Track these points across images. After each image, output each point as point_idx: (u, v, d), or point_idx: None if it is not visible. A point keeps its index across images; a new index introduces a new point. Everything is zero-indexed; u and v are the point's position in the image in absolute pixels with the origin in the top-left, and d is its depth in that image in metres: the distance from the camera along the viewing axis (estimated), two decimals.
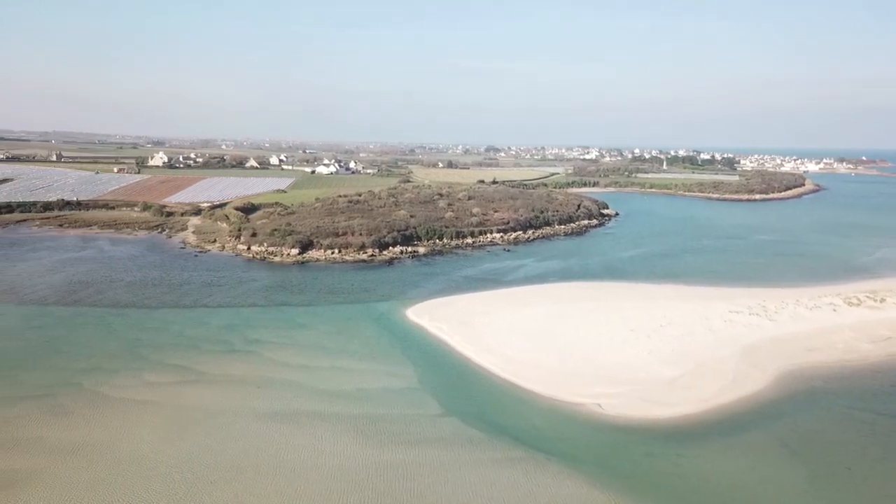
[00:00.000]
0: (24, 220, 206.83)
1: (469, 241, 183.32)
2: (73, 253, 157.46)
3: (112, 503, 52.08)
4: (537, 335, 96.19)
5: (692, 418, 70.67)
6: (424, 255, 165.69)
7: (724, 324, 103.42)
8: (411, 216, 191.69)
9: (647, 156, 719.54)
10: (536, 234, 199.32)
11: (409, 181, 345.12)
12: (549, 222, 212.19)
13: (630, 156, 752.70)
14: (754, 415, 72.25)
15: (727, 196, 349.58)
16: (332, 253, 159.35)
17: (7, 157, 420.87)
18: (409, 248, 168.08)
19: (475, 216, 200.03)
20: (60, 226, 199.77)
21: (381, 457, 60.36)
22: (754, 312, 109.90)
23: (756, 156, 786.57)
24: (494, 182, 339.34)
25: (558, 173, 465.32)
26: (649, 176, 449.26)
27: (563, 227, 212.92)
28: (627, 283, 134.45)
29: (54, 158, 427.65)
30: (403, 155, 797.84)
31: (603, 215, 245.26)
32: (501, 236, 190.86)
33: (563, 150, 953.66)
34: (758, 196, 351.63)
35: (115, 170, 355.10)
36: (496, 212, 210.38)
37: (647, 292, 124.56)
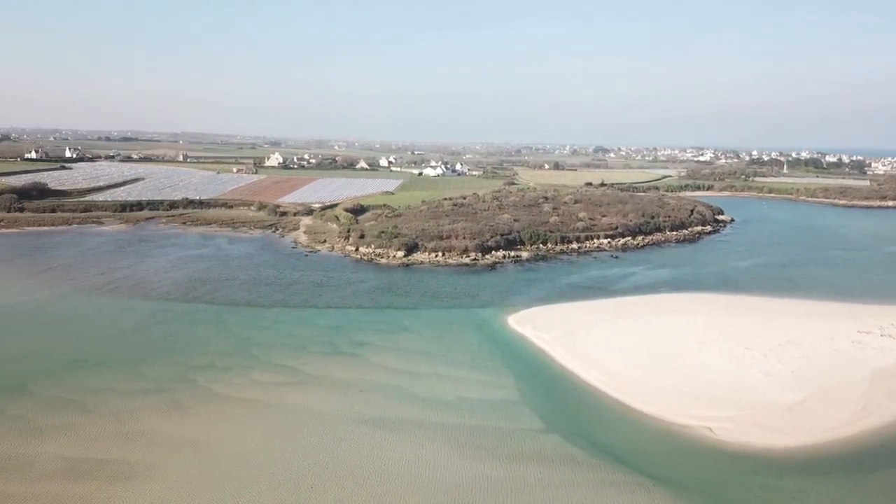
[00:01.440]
0: (153, 218, 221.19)
1: (574, 246, 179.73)
2: (194, 250, 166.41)
3: (222, 501, 53.84)
4: (645, 349, 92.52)
5: (815, 450, 65.51)
6: (528, 260, 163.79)
7: (852, 345, 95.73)
8: (515, 220, 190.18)
9: (765, 158, 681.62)
10: (646, 241, 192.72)
11: (513, 183, 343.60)
12: (659, 228, 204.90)
13: (747, 158, 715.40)
14: (888, 450, 66.12)
15: (856, 202, 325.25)
16: (436, 256, 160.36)
17: (140, 158, 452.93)
18: (513, 253, 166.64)
19: (581, 221, 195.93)
20: (184, 223, 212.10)
21: (481, 471, 59.51)
22: (887, 333, 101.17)
23: (890, 158, 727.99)
24: (602, 184, 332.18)
25: (670, 176, 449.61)
26: (768, 180, 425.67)
27: (674, 233, 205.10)
28: (744, 295, 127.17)
29: (181, 159, 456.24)
30: (509, 156, 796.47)
31: (717, 221, 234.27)
32: (609, 242, 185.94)
33: (676, 152, 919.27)
34: (891, 203, 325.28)
35: (235, 170, 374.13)
36: (604, 216, 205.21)
37: (765, 307, 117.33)
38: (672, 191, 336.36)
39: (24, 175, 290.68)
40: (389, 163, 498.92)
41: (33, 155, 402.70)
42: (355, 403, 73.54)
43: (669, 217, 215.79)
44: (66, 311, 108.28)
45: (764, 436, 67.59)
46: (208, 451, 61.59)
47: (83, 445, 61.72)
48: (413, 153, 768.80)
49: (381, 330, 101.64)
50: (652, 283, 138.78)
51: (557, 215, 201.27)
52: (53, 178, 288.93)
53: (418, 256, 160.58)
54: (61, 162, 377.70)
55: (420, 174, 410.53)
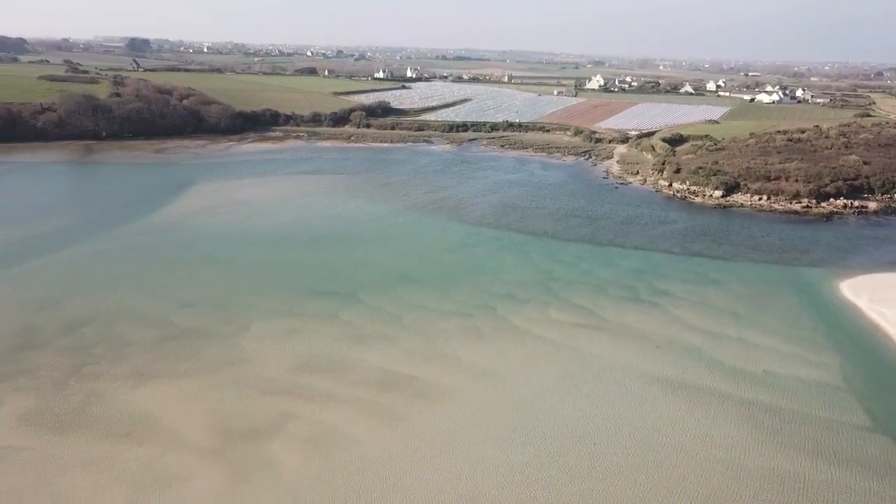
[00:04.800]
0: (475, 139, 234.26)
1: None
2: (509, 174, 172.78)
3: (513, 437, 55.98)
4: None
5: None
6: (875, 212, 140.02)
7: None
8: (864, 163, 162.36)
9: None
10: None
11: (868, 115, 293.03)
12: None
13: None
14: None
15: None
16: (760, 199, 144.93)
17: (469, 78, 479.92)
18: (856, 203, 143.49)
19: None
20: (502, 146, 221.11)
21: (778, 462, 53.29)
22: None
23: None
24: None
25: None
26: None
27: None
28: None
29: (506, 80, 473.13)
30: (867, 79, 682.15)
31: None
32: None
33: None
34: None
35: (555, 92, 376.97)
36: None
37: None
38: None
39: (372, 94, 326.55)
40: (718, 87, 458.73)
41: (381, 74, 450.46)
42: (649, 359, 70.67)
43: None
44: (396, 227, 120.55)
45: None
46: (503, 385, 64.34)
47: (396, 359, 68.71)
48: (746, 75, 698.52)
49: (687, 280, 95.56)
50: None
51: None
52: (395, 97, 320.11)
53: (738, 198, 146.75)
54: (402, 81, 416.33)
55: (751, 101, 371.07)
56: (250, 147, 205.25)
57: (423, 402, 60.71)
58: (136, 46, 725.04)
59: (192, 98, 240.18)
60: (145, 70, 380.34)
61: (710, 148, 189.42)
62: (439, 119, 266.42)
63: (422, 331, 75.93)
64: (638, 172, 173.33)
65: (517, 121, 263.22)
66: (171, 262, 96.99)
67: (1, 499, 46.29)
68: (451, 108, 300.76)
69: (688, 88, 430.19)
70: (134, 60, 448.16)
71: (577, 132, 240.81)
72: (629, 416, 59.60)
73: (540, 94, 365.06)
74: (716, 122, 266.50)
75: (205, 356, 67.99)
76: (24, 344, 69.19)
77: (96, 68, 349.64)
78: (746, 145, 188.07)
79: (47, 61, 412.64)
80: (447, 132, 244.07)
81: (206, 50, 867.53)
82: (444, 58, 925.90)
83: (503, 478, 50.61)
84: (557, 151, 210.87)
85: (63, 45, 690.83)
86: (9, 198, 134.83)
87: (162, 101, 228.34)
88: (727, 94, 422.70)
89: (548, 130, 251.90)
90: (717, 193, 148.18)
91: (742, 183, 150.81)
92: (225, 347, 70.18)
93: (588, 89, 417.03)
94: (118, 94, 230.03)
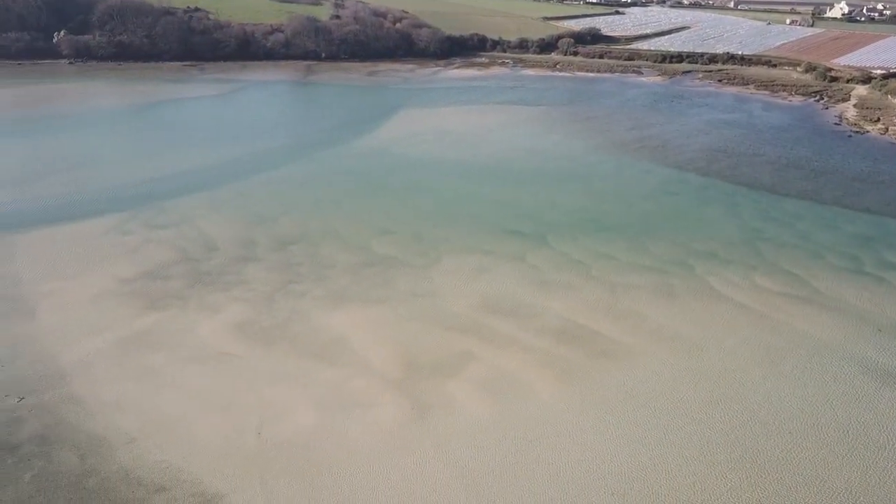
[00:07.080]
0: (689, 72, 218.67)
1: None
2: (724, 114, 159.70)
3: (700, 413, 52.96)
4: None
5: None
6: None
7: None
8: None
9: None
10: None
11: None
12: None
13: None
14: None
15: None
16: None
17: (690, 3, 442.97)
18: None
19: None
20: (720, 81, 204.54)
21: None
22: None
23: None
24: None
25: None
26: None
27: None
28: None
29: (731, 5, 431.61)
30: None
31: None
32: None
33: None
34: None
35: (787, 21, 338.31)
36: None
37: None
38: None
39: (583, 19, 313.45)
40: None
41: None
42: (868, 344, 62.86)
43: None
44: (592, 166, 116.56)
45: None
46: (693, 353, 60.52)
47: (579, 310, 66.98)
48: None
49: None
50: None
51: None
52: (606, 24, 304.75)
53: None
54: (616, 6, 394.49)
55: None
56: (456, 73, 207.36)
57: (605, 360, 59.05)
58: None
59: (404, 21, 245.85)
60: None
61: None
62: (652, 48, 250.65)
63: (609, 283, 73.25)
64: (879, 120, 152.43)
65: (739, 53, 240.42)
66: (374, 187, 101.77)
67: (213, 399, 52.21)
68: (666, 37, 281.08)
69: None
70: None
71: (809, 68, 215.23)
72: (836, 406, 53.83)
73: (769, 23, 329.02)
74: None
75: (397, 285, 71.10)
76: (243, 256, 76.73)
77: None
78: None
79: None
80: (659, 63, 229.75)
81: None
82: None
83: (687, 454, 48.16)
84: (783, 90, 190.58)
85: None
86: (244, 114, 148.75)
87: (376, 24, 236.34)
88: None
89: (774, 65, 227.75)
90: None
91: None
92: (417, 278, 72.80)
93: (828, 18, 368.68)
94: (338, 17, 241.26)
